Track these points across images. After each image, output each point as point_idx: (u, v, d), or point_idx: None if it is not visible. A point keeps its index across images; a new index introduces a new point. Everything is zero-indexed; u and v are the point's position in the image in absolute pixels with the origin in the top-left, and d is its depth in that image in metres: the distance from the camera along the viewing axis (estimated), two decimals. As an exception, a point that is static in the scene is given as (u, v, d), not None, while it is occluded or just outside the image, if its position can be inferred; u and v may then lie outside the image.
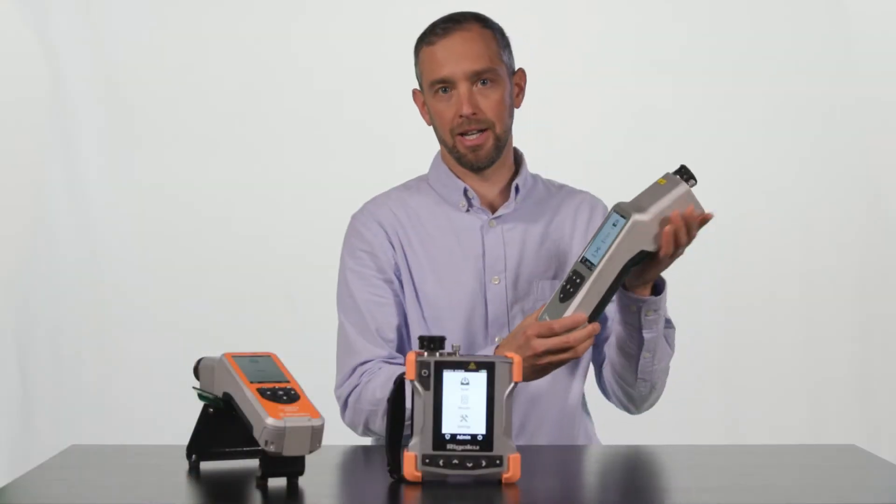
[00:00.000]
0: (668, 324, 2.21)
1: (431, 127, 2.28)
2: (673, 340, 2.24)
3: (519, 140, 2.33)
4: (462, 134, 2.20)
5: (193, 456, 1.83)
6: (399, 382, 1.77)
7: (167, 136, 3.68)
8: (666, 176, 2.03)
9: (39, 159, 3.65)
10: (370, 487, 1.79)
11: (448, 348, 1.73)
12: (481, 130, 2.20)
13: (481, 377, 1.71)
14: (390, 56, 3.42)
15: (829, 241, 3.71)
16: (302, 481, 1.70)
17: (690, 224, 2.01)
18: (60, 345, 3.65)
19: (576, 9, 3.71)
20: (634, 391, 2.23)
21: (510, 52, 2.26)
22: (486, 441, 1.70)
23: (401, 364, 2.20)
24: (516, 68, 2.28)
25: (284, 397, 1.67)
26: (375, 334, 2.21)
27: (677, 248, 2.01)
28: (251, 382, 1.69)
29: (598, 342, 2.26)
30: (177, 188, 3.67)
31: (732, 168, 3.70)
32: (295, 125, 3.69)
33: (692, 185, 2.04)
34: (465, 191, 2.25)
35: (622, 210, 2.00)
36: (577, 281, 1.99)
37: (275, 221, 3.67)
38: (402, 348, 2.24)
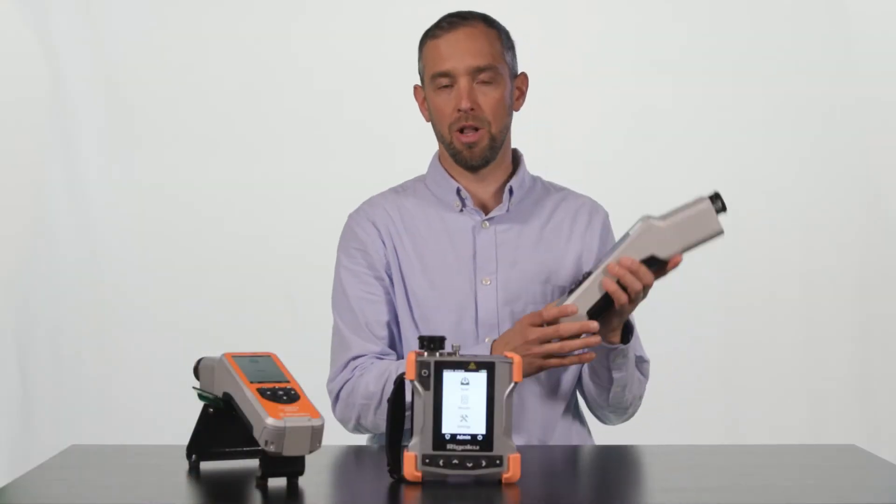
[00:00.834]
0: (641, 359, 2.24)
1: (430, 124, 2.27)
2: (647, 371, 2.27)
3: (519, 140, 2.32)
4: (460, 131, 2.20)
5: (193, 456, 1.83)
6: (399, 382, 1.77)
7: (167, 136, 3.68)
8: (699, 197, 2.06)
9: (39, 159, 3.65)
10: (370, 487, 1.79)
11: (448, 348, 1.73)
12: (476, 128, 2.20)
13: (481, 377, 1.71)
14: (390, 56, 3.44)
15: (829, 241, 3.71)
16: (302, 481, 1.70)
17: (638, 272, 2.01)
18: (60, 345, 3.65)
19: (576, 9, 3.71)
20: (606, 412, 2.28)
21: (514, 55, 2.26)
22: (486, 441, 1.70)
23: (393, 359, 2.22)
24: (519, 72, 2.28)
25: (284, 397, 1.67)
26: (367, 330, 2.23)
27: (633, 296, 2.02)
28: (251, 382, 1.69)
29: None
30: (177, 188, 3.67)
31: (732, 168, 3.70)
32: (295, 125, 3.69)
33: (719, 209, 2.05)
34: (459, 191, 2.25)
35: (643, 218, 2.02)
36: (581, 279, 2.03)
37: (275, 221, 3.67)
38: (393, 345, 2.25)
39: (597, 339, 2.05)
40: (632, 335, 2.17)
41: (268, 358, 1.75)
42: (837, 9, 3.70)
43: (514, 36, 2.28)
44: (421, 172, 2.34)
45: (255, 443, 1.66)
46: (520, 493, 1.68)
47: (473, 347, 2.19)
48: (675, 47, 3.70)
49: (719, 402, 3.71)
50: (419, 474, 1.70)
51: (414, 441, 1.71)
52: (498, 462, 1.70)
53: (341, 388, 2.21)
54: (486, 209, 2.27)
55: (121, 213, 3.66)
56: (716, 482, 1.83)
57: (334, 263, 2.31)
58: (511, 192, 2.26)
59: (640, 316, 2.46)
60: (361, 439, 2.33)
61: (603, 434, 2.40)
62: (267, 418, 1.64)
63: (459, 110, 2.19)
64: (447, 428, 1.70)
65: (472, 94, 2.19)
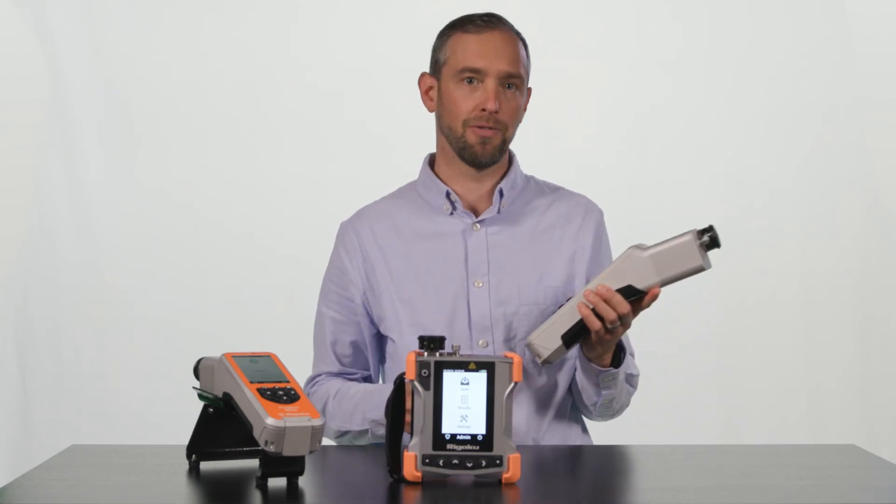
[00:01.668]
0: (631, 375, 2.24)
1: (433, 115, 2.27)
2: (636, 382, 2.28)
3: (518, 140, 2.32)
4: (475, 126, 2.20)
5: (193, 456, 1.83)
6: (399, 382, 1.77)
7: (167, 136, 3.68)
8: (691, 230, 2.01)
9: (39, 159, 3.65)
10: (370, 487, 1.79)
11: (448, 348, 1.73)
12: (494, 129, 2.20)
13: (481, 377, 1.71)
14: (390, 56, 3.44)
15: (829, 240, 3.71)
16: (302, 481, 1.70)
17: (611, 300, 2.00)
18: (60, 345, 3.65)
19: (576, 9, 3.71)
20: (591, 415, 2.29)
21: (529, 69, 2.27)
22: (486, 441, 1.70)
23: (348, 377, 2.28)
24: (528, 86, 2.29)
25: (284, 397, 1.67)
26: (329, 349, 2.29)
27: (608, 325, 2.01)
28: (251, 382, 1.69)
29: (567, 355, 2.25)
30: (176, 188, 3.67)
31: (732, 168, 3.70)
32: (294, 125, 3.69)
33: (705, 245, 1.99)
34: (448, 194, 2.25)
35: (631, 247, 2.02)
36: (563, 303, 2.04)
37: (275, 221, 3.67)
38: (363, 363, 2.30)
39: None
40: (624, 359, 2.17)
41: (268, 358, 1.75)
42: (836, 9, 3.70)
43: (513, 36, 2.29)
44: (418, 174, 2.34)
45: (255, 443, 1.66)
46: (520, 493, 1.68)
47: (468, 351, 2.20)
48: (674, 47, 3.70)
49: (719, 402, 3.71)
50: (419, 474, 1.70)
51: (414, 441, 1.71)
52: (498, 462, 1.70)
53: None
54: (477, 211, 2.27)
55: (121, 212, 3.66)
56: (715, 482, 1.83)
57: None
58: (501, 193, 2.26)
59: (640, 315, 2.46)
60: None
61: (602, 434, 2.40)
62: (267, 418, 1.64)
63: (484, 110, 2.18)
64: (447, 428, 1.70)
65: (498, 96, 2.19)
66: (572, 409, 2.29)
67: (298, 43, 3.70)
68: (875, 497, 1.76)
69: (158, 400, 3.55)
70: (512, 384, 1.71)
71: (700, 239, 2.00)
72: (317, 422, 1.66)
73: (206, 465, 1.83)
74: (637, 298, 2.03)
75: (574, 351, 2.21)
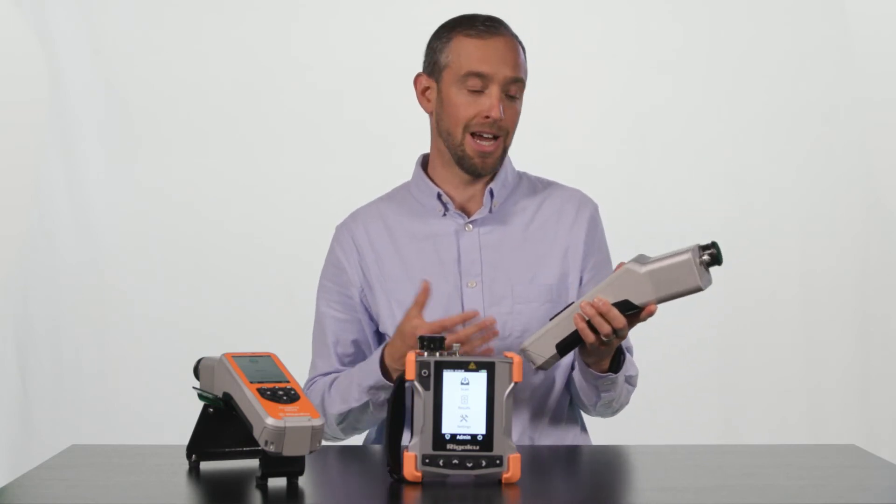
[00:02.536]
0: (630, 378, 2.23)
1: (429, 115, 2.26)
2: (635, 381, 2.26)
3: (517, 140, 2.32)
4: (477, 135, 2.20)
5: (193, 456, 1.83)
6: (399, 382, 1.77)
7: (167, 136, 3.68)
8: (693, 246, 1.96)
9: (39, 159, 3.65)
10: (370, 487, 1.79)
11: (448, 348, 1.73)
12: (495, 137, 2.20)
13: (481, 377, 1.71)
14: (390, 56, 3.44)
15: (829, 241, 3.71)
16: (302, 481, 1.70)
17: (608, 314, 1.98)
18: (60, 345, 3.65)
19: (576, 9, 3.71)
20: (590, 412, 2.29)
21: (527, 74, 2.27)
22: (486, 441, 1.70)
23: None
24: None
25: (284, 397, 1.67)
26: (331, 348, 2.27)
27: (603, 337, 2.00)
28: (251, 382, 1.69)
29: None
30: (176, 188, 3.67)
31: (732, 168, 3.70)
32: (294, 125, 3.69)
33: (706, 263, 1.96)
34: (440, 196, 2.25)
35: (633, 259, 2.00)
36: (560, 312, 2.02)
37: (275, 221, 3.67)
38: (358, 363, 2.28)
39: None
40: (623, 362, 2.15)
41: (268, 358, 1.75)
42: (836, 9, 3.70)
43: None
44: (419, 174, 2.35)
45: (255, 443, 1.66)
46: (520, 493, 1.68)
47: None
48: (674, 47, 3.70)
49: (718, 402, 3.71)
50: (419, 474, 1.70)
51: (414, 441, 1.71)
52: (498, 462, 1.70)
53: None
54: (468, 212, 2.26)
55: (120, 212, 3.66)
56: (715, 482, 1.83)
57: None
58: (492, 193, 2.25)
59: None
60: (361, 439, 2.33)
61: (601, 434, 2.40)
62: (267, 418, 1.64)
63: (488, 117, 2.18)
64: (447, 428, 1.70)
65: (502, 102, 2.19)
66: (570, 409, 2.29)
67: (298, 43, 3.70)
68: (875, 497, 1.76)
69: (158, 400, 3.55)
70: (512, 384, 1.71)
71: (700, 257, 1.96)
72: (317, 422, 1.66)
73: (206, 465, 1.83)
74: (633, 312, 2.01)
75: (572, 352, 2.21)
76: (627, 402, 2.28)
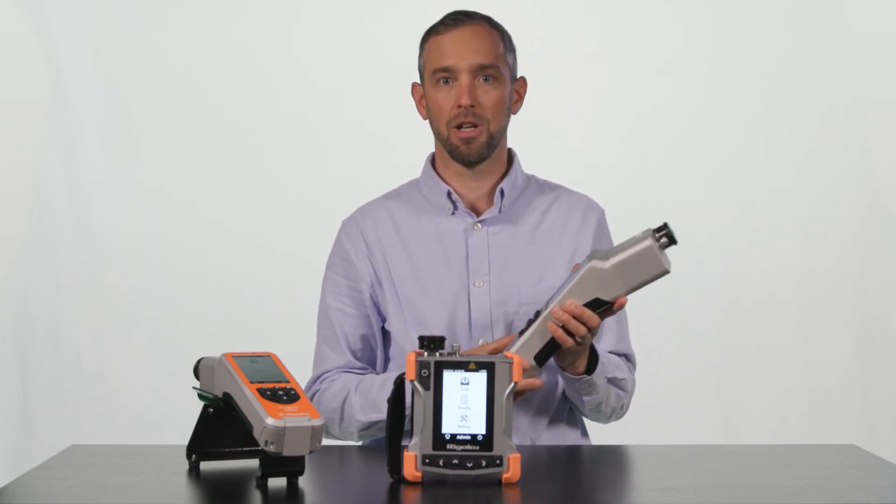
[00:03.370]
0: (615, 379, 2.21)
1: (427, 122, 2.27)
2: (626, 385, 2.24)
3: (518, 140, 2.32)
4: (457, 127, 2.20)
5: (193, 456, 1.83)
6: (399, 382, 1.77)
7: (167, 136, 3.68)
8: (645, 231, 1.98)
9: (39, 159, 3.65)
10: (370, 487, 1.79)
11: (448, 348, 1.73)
12: (475, 125, 2.20)
13: (481, 377, 1.71)
14: (389, 56, 3.44)
15: (829, 241, 3.71)
16: (302, 481, 1.70)
17: (582, 316, 1.97)
18: (60, 345, 3.65)
19: (576, 9, 3.71)
20: (589, 418, 2.29)
21: (515, 58, 2.26)
22: (486, 441, 1.70)
23: (359, 372, 2.25)
24: (518, 76, 2.28)
25: (284, 397, 1.67)
26: (341, 343, 2.26)
27: (579, 339, 2.00)
28: (251, 382, 1.69)
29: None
30: (176, 188, 3.67)
31: (732, 168, 3.70)
32: (294, 125, 3.69)
33: (664, 245, 1.96)
34: (449, 194, 2.25)
35: (590, 256, 1.99)
36: (532, 320, 2.01)
37: (275, 221, 3.67)
38: (369, 358, 2.28)
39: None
40: (597, 365, 2.14)
41: (268, 358, 1.75)
42: (836, 9, 3.70)
43: (514, 36, 2.28)
44: (419, 173, 2.34)
45: (255, 443, 1.66)
46: (520, 493, 1.68)
47: (467, 350, 2.19)
48: (674, 47, 3.70)
49: (718, 402, 3.71)
50: (419, 474, 1.70)
51: (414, 441, 1.71)
52: (498, 462, 1.70)
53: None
54: (477, 211, 2.27)
55: (121, 212, 3.66)
56: (715, 482, 1.83)
57: None
58: (502, 193, 2.26)
59: (640, 315, 2.46)
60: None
61: (602, 434, 2.40)
62: (267, 418, 1.64)
63: (460, 106, 2.18)
64: (447, 428, 1.70)
65: (472, 91, 2.19)
66: (570, 411, 2.29)
67: (298, 43, 3.70)
68: (875, 497, 1.76)
69: (158, 400, 3.55)
70: (512, 384, 1.71)
71: (658, 240, 1.97)
72: (317, 422, 1.66)
73: (206, 465, 1.83)
74: (605, 308, 2.00)
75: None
76: (625, 409, 2.26)
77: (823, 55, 3.69)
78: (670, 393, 3.58)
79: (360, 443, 2.26)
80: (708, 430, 3.61)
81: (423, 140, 2.35)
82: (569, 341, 2.00)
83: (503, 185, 2.26)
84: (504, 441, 1.70)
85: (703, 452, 2.10)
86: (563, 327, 1.98)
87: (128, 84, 3.67)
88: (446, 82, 2.20)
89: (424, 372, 1.70)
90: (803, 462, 1.99)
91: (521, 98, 2.28)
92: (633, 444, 2.10)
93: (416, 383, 1.71)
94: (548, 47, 3.57)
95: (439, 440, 1.70)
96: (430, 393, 1.70)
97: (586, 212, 2.30)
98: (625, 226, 2.34)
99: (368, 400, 2.18)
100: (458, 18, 2.23)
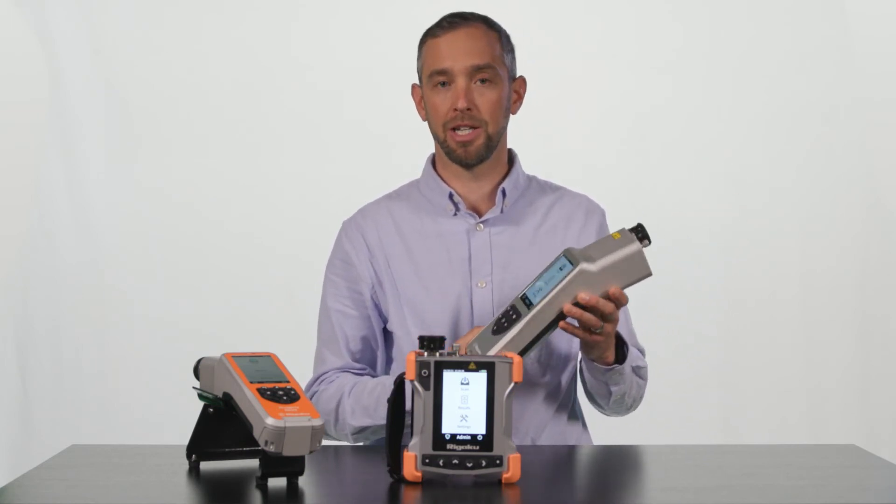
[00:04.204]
0: (638, 367, 2.23)
1: (427, 124, 2.27)
2: (645, 374, 2.26)
3: (518, 140, 2.32)
4: (454, 129, 2.20)
5: (193, 456, 1.83)
6: (399, 382, 1.77)
7: (167, 136, 3.68)
8: (621, 231, 2.00)
9: (39, 159, 3.65)
10: (370, 487, 1.79)
11: (448, 348, 1.73)
12: (473, 127, 2.20)
13: (481, 377, 1.71)
14: (389, 56, 3.44)
15: (829, 241, 3.71)
16: (302, 481, 1.70)
17: (597, 306, 1.98)
18: (60, 345, 3.66)
19: (576, 9, 3.71)
20: (606, 411, 2.29)
21: (513, 58, 2.26)
22: (486, 441, 1.70)
23: (357, 372, 2.26)
24: (517, 76, 2.28)
25: (284, 397, 1.67)
26: (341, 344, 2.27)
27: (594, 331, 2.01)
28: (251, 382, 1.69)
29: (571, 355, 2.25)
30: (176, 188, 3.67)
31: (732, 168, 3.70)
32: (294, 125, 3.69)
33: (645, 246, 1.99)
34: (451, 195, 2.25)
35: (571, 256, 1.99)
36: (514, 317, 1.99)
37: (275, 221, 3.67)
38: (368, 359, 2.29)
39: None
40: (627, 354, 2.15)
41: (268, 358, 1.75)
42: (836, 9, 3.70)
43: (513, 36, 2.28)
44: (420, 173, 2.34)
45: (255, 443, 1.66)
46: (520, 493, 1.68)
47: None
48: (674, 47, 3.70)
49: (719, 402, 3.71)
50: (419, 474, 1.70)
51: (414, 441, 1.71)
52: (498, 462, 1.70)
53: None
54: (479, 212, 2.26)
55: (120, 212, 3.66)
56: (715, 482, 1.83)
57: None
58: (504, 193, 2.26)
59: (640, 315, 2.46)
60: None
61: (602, 434, 2.40)
62: (267, 418, 1.64)
63: (456, 109, 2.18)
64: (447, 428, 1.70)
65: (469, 93, 2.19)
66: (573, 409, 2.29)
67: (298, 43, 3.70)
68: (875, 497, 1.76)
69: (158, 400, 3.56)
70: (512, 384, 1.71)
71: (642, 243, 1.99)
72: (317, 422, 1.66)
73: (206, 465, 1.83)
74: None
75: (577, 350, 2.21)
76: (641, 399, 2.27)
77: (823, 55, 3.69)
78: (670, 393, 3.58)
79: (360, 443, 2.26)
80: (708, 430, 3.61)
81: (423, 140, 2.35)
82: (592, 337, 2.01)
83: (505, 185, 2.26)
84: (504, 441, 1.70)
85: (703, 452, 2.10)
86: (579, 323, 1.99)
87: (128, 84, 3.67)
88: (443, 85, 2.20)
89: (424, 372, 1.71)
90: (803, 462, 1.99)
91: (520, 98, 2.28)
92: (633, 444, 2.10)
93: (416, 383, 1.71)
94: (548, 47, 3.57)
95: (439, 440, 1.70)
96: (430, 393, 1.70)
97: (588, 213, 2.31)
98: (624, 226, 2.34)
99: (360, 405, 2.19)
100: (454, 20, 2.23)
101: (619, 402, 2.23)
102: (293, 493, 1.67)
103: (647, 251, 2.00)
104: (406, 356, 1.74)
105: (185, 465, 1.83)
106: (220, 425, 1.81)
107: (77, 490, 1.73)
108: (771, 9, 3.70)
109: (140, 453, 1.98)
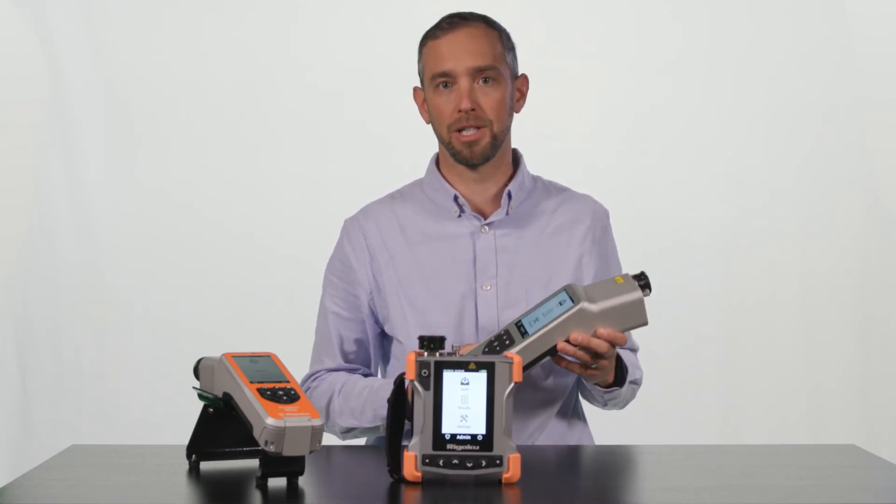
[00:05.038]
0: (635, 380, 2.24)
1: (430, 125, 2.27)
2: (640, 380, 2.27)
3: (519, 140, 2.32)
4: (459, 130, 2.20)
5: (193, 456, 1.83)
6: (399, 382, 1.77)
7: (167, 136, 3.68)
8: (624, 276, 2.01)
9: (39, 159, 3.65)
10: (370, 487, 1.79)
11: (448, 348, 1.73)
12: (478, 127, 2.20)
13: (481, 377, 1.71)
14: (389, 56, 3.44)
15: (829, 241, 3.71)
16: (302, 481, 1.70)
17: (591, 345, 1.98)
18: (60, 345, 3.66)
19: (576, 9, 3.71)
20: (603, 409, 2.31)
21: (514, 56, 2.26)
22: (486, 441, 1.70)
23: (348, 371, 2.27)
24: (519, 73, 2.27)
25: (284, 397, 1.67)
26: (335, 345, 2.27)
27: (588, 366, 2.02)
28: (251, 382, 1.69)
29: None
30: (176, 188, 3.67)
31: (732, 168, 3.70)
32: (294, 125, 3.69)
33: (646, 295, 2.01)
34: (456, 197, 2.25)
35: (573, 293, 2.00)
36: (507, 342, 1.99)
37: (275, 221, 3.67)
38: (365, 360, 2.29)
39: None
40: (627, 375, 2.16)
41: (268, 358, 1.75)
42: (836, 9, 3.70)
43: (514, 36, 2.28)
44: (421, 172, 2.34)
45: (255, 443, 1.66)
46: (520, 493, 1.68)
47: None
48: (674, 47, 3.70)
49: (719, 402, 3.71)
50: (419, 474, 1.70)
51: (414, 441, 1.71)
52: (498, 462, 1.70)
53: None
54: (484, 214, 2.26)
55: (120, 212, 3.66)
56: (715, 482, 1.83)
57: None
58: (510, 196, 2.25)
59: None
60: (362, 439, 2.33)
61: (602, 434, 2.40)
62: (267, 418, 1.64)
63: (460, 111, 2.18)
64: (447, 428, 1.70)
65: (472, 94, 2.18)
66: (574, 409, 2.29)
67: (298, 43, 3.70)
68: (875, 497, 1.76)
69: (158, 400, 3.56)
70: (512, 384, 1.71)
71: (644, 292, 2.00)
72: (317, 422, 1.66)
73: (206, 465, 1.83)
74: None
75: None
76: (634, 397, 2.29)
77: (823, 55, 3.69)
78: (670, 393, 3.58)
79: (362, 443, 2.26)
80: (708, 430, 3.61)
81: (423, 140, 2.35)
82: (584, 371, 2.03)
83: (511, 187, 2.25)
84: (504, 441, 1.70)
85: (703, 452, 2.10)
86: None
87: (128, 84, 3.67)
88: (446, 86, 2.20)
89: (424, 372, 1.70)
90: (803, 462, 1.99)
91: (523, 96, 2.28)
92: (633, 444, 2.10)
93: (416, 383, 1.71)
94: (548, 47, 3.57)
95: (439, 440, 1.70)
96: (430, 393, 1.70)
97: (593, 214, 2.30)
98: (625, 226, 2.34)
99: (348, 406, 2.19)
100: (453, 21, 2.22)
101: (613, 406, 2.25)
102: (293, 493, 1.67)
103: (646, 290, 2.01)
104: (406, 356, 1.74)
105: (185, 465, 1.83)
106: (220, 425, 1.81)
107: (77, 490, 1.73)
108: (771, 9, 3.70)
109: (140, 453, 1.98)
